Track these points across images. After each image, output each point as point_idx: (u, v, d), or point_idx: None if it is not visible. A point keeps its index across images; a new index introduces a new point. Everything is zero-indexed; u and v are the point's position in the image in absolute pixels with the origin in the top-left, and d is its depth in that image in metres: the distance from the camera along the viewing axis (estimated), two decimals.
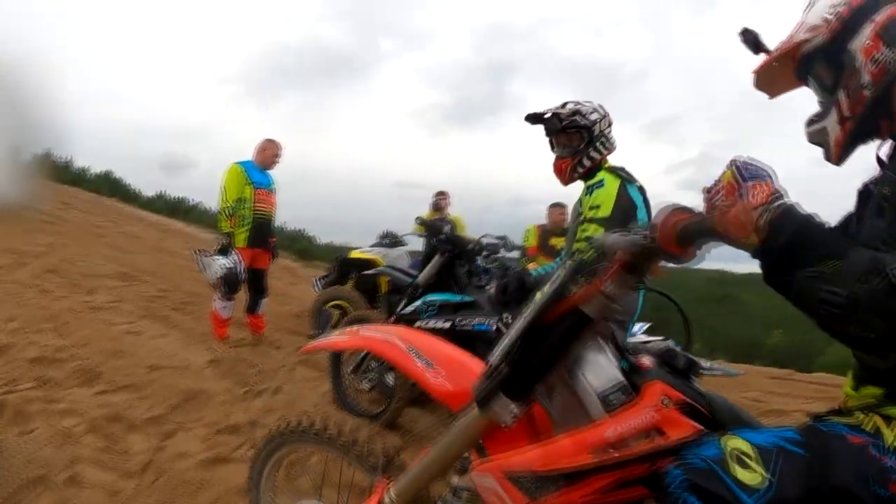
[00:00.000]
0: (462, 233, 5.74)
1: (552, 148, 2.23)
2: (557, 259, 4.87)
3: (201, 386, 2.98)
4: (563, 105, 2.18)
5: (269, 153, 4.46)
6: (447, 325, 2.45)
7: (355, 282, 5.33)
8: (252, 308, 4.50)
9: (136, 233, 9.37)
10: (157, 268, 6.59)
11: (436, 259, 2.68)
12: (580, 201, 2.14)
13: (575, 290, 0.92)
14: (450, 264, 2.68)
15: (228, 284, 3.99)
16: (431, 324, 2.47)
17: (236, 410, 2.79)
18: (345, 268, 5.39)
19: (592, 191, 2.05)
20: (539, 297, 0.97)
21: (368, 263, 5.29)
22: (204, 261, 4.03)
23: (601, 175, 2.09)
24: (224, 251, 4.03)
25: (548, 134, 2.20)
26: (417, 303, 2.60)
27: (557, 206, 5.15)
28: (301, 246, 12.47)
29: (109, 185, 13.38)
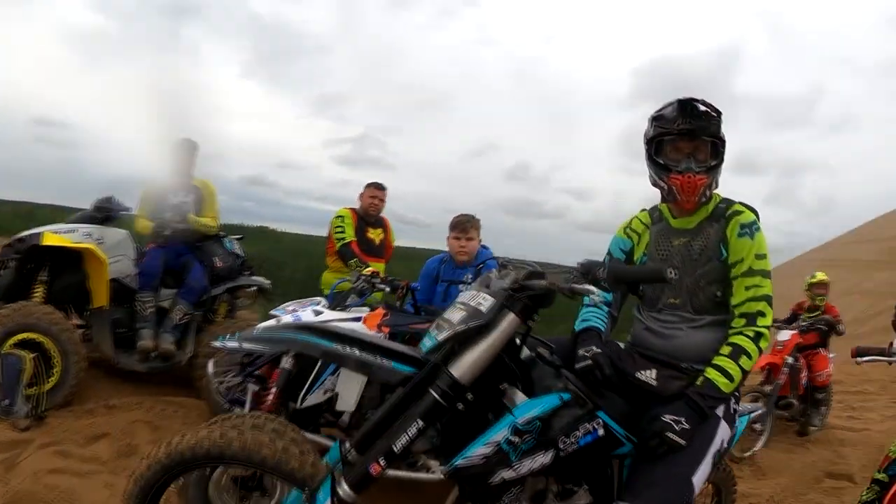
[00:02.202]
0: (213, 202, 4.23)
1: (658, 154, 1.75)
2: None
3: None
4: (701, 101, 1.71)
5: None
6: (549, 457, 1.46)
7: (47, 288, 3.51)
8: None
9: None
10: None
11: (509, 321, 1.46)
12: (724, 242, 1.72)
13: None
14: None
15: None
16: (527, 466, 1.44)
17: None
18: (27, 263, 3.51)
19: (753, 233, 1.70)
20: None
21: (74, 255, 3.57)
22: None
23: (749, 213, 1.76)
24: None
25: (685, 135, 1.70)
26: (500, 432, 1.42)
27: (375, 187, 4.13)
28: None
29: None
